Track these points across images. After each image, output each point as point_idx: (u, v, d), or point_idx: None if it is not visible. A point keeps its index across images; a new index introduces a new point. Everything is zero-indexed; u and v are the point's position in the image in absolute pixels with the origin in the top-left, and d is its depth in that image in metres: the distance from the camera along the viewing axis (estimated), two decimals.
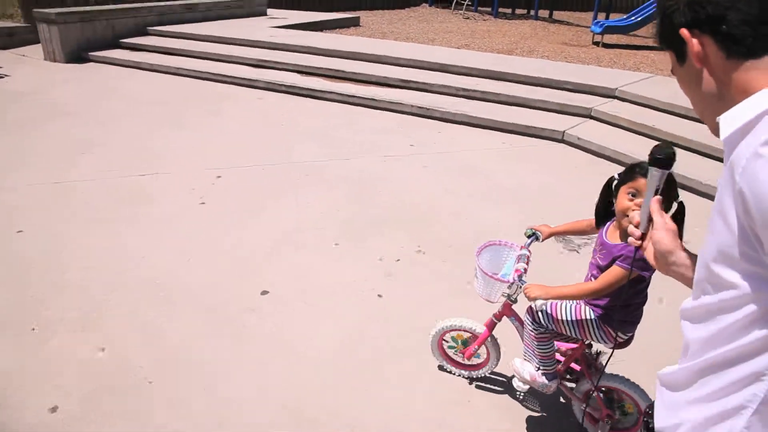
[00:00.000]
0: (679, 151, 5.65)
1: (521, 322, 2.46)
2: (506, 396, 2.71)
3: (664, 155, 1.27)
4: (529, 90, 7.15)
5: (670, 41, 1.01)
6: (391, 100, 7.10)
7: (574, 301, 2.24)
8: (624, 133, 6.15)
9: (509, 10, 17.67)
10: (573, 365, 2.47)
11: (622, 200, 1.97)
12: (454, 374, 2.81)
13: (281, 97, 7.68)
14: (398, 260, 3.84)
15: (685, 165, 5.34)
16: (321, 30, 11.97)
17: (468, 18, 16.03)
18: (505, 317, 2.48)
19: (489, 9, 17.51)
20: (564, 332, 2.29)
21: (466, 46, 10.72)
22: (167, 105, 7.26)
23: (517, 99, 6.96)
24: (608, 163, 5.69)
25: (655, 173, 1.29)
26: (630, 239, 1.30)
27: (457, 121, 6.66)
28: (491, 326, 2.53)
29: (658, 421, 1.08)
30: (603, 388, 2.41)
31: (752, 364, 0.88)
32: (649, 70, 8.95)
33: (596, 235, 2.24)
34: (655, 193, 1.27)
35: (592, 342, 2.28)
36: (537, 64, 8.38)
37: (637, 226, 1.28)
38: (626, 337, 2.21)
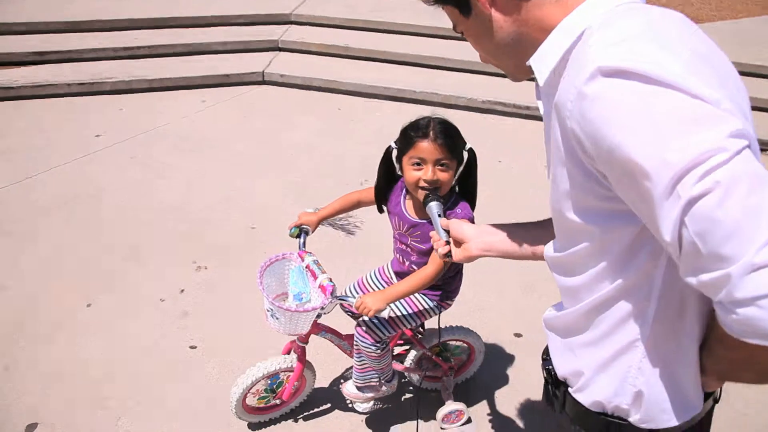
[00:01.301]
0: (369, 65, 5.78)
1: (335, 332, 2.15)
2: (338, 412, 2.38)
3: (431, 193, 1.60)
4: (202, 33, 6.25)
5: None
6: (35, 83, 5.43)
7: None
8: (322, 59, 5.92)
9: None
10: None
11: (410, 172, 1.74)
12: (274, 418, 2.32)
13: None
14: (183, 290, 3.00)
15: (393, 79, 5.44)
16: None
17: None
18: (313, 335, 2.09)
19: None
20: (402, 329, 2.07)
21: None
22: None
23: (194, 47, 6.02)
24: (328, 95, 5.45)
25: (432, 206, 1.53)
26: (439, 252, 1.36)
27: (136, 89, 5.47)
28: (302, 355, 2.12)
29: (560, 369, 1.08)
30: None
31: (634, 298, 0.88)
32: None
33: (365, 206, 2.06)
34: (440, 216, 1.48)
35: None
36: (188, 0, 7.38)
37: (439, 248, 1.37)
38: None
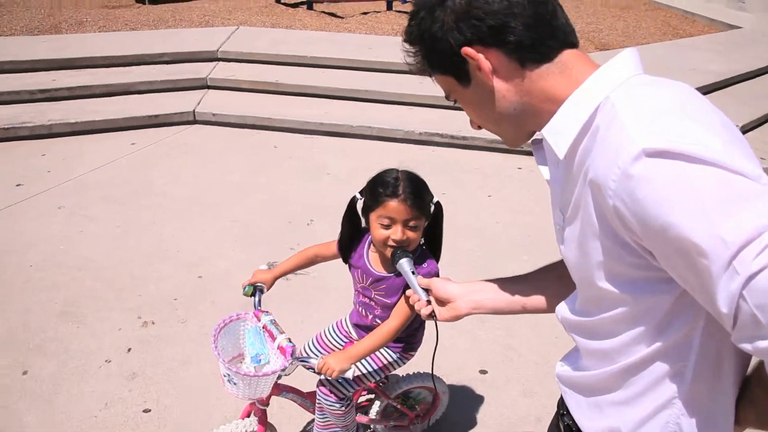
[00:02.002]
0: (302, 100, 5.77)
1: (297, 391, 2.06)
2: None
3: (399, 253, 1.55)
4: (124, 73, 6.05)
5: (446, 65, 0.94)
6: None
7: None
8: (253, 96, 5.87)
9: None
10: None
11: (378, 230, 1.69)
12: None
13: None
14: (130, 350, 2.83)
15: (327, 114, 5.44)
16: None
17: None
18: (273, 397, 1.98)
19: None
20: (367, 384, 2.03)
21: None
22: None
23: (116, 87, 5.82)
24: (262, 132, 5.38)
25: (403, 263, 1.50)
26: (422, 313, 1.33)
27: (58, 133, 5.19)
28: (263, 417, 1.99)
29: (587, 427, 1.06)
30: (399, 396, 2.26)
31: (672, 359, 0.89)
32: (222, 22, 8.68)
33: (323, 261, 2.02)
34: (414, 274, 1.46)
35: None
36: (109, 38, 7.14)
37: (418, 302, 1.35)
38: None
